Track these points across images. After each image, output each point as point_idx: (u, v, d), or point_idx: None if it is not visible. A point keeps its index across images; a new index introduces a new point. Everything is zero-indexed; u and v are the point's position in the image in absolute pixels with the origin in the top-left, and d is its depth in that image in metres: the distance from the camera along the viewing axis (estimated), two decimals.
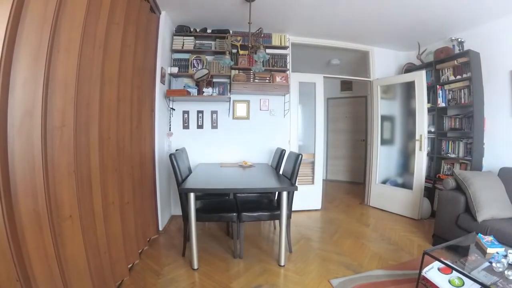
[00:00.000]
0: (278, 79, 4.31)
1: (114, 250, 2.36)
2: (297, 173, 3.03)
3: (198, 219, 2.76)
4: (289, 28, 4.28)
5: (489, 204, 2.81)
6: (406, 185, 4.44)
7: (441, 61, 4.21)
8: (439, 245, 2.35)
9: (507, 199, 2.92)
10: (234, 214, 2.91)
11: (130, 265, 2.68)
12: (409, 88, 4.48)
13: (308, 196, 4.63)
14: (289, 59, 4.47)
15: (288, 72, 4.44)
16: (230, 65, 3.60)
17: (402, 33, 4.29)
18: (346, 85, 7.10)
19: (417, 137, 4.20)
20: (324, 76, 4.72)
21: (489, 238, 2.31)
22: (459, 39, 3.99)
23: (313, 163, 4.70)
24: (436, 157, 4.29)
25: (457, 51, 4.06)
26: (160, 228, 3.68)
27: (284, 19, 3.96)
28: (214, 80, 4.31)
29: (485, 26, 3.78)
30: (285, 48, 4.44)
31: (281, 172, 3.62)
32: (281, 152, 3.81)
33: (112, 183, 2.37)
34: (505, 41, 3.55)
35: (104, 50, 2.17)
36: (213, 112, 4.43)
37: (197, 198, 3.09)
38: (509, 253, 2.10)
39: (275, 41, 4.38)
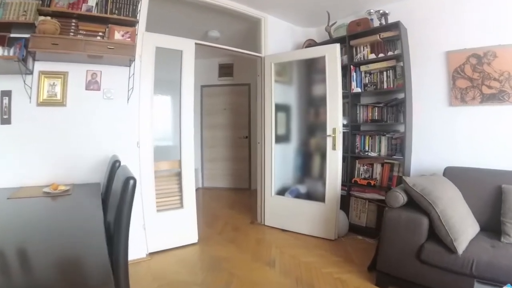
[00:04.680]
0: (118, 35, 2.40)
1: None
2: (128, 223, 1.29)
3: None
4: None
5: (461, 223, 1.94)
6: (315, 196, 3.31)
7: (357, 36, 3.29)
8: None
9: (469, 209, 2.14)
10: None
11: None
12: (313, 67, 3.40)
13: (177, 227, 2.90)
14: (140, 6, 2.54)
15: (137, 26, 2.53)
16: None
17: None
18: (225, 70, 5.74)
19: (329, 131, 3.11)
20: (196, 43, 3.09)
21: None
22: (382, 11, 3.12)
23: (179, 174, 2.97)
24: (350, 157, 3.33)
25: (377, 24, 3.20)
26: None
27: None
28: (13, 35, 2.22)
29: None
30: None
31: None
32: (114, 166, 2.01)
33: None
34: (441, 17, 2.92)
35: None
36: (3, 94, 2.29)
37: None
38: None
39: None
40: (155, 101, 2.77)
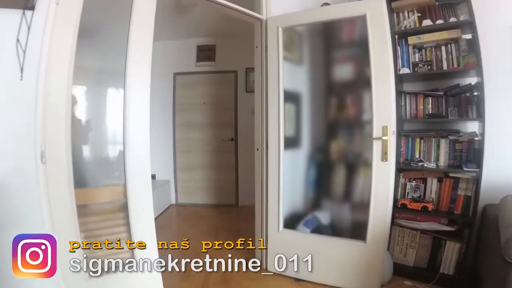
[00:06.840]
0: None
1: None
2: None
3: None
4: None
5: None
6: (345, 230, 2.25)
7: None
8: None
9: None
10: None
11: None
12: (339, 36, 2.39)
13: None
14: None
15: None
16: None
17: None
18: (205, 53, 4.67)
19: (377, 132, 2.03)
20: None
21: None
22: None
23: (125, 208, 1.69)
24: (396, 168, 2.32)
25: None
26: None
27: None
28: None
29: None
30: None
31: None
32: None
33: None
34: None
35: None
36: None
37: None
38: None
39: None
40: (79, 77, 1.53)
